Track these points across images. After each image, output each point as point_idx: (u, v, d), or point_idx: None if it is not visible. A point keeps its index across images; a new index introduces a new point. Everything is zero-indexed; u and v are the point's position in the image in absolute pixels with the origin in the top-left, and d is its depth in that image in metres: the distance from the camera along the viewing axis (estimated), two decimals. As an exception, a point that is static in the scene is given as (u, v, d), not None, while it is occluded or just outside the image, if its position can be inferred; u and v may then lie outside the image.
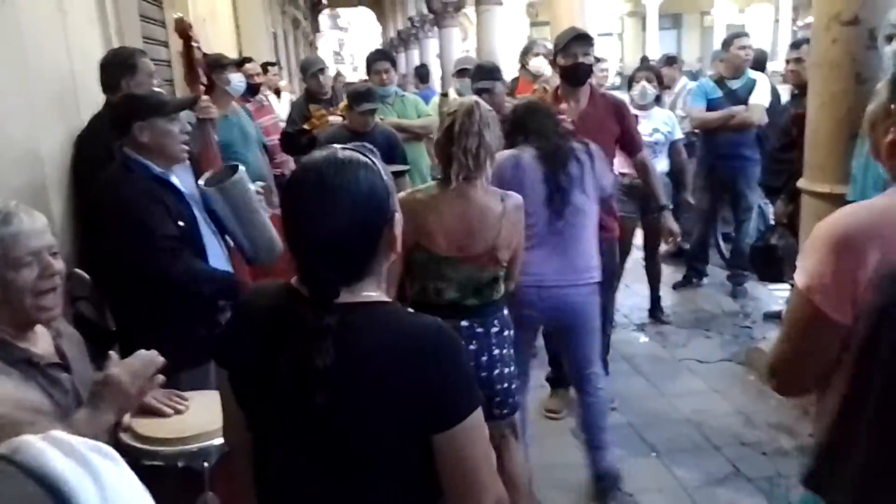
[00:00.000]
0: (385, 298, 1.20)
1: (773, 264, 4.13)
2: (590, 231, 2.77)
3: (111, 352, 1.78)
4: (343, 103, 5.52)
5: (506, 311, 2.38)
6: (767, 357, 1.43)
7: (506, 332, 2.35)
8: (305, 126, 4.69)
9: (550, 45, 5.25)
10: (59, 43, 2.70)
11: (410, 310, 1.26)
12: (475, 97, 2.40)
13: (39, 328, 1.63)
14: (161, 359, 1.71)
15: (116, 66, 2.83)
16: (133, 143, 2.27)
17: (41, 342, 1.62)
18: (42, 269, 1.53)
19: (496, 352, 2.31)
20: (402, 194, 2.28)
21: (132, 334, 2.32)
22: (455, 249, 2.22)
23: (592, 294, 2.80)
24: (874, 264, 1.17)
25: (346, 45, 38.56)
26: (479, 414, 1.15)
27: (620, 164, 3.77)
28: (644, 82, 4.62)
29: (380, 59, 4.94)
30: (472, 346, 2.24)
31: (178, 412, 1.84)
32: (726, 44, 5.00)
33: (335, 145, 1.19)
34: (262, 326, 1.18)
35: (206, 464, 1.71)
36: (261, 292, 1.27)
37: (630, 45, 26.10)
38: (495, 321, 2.32)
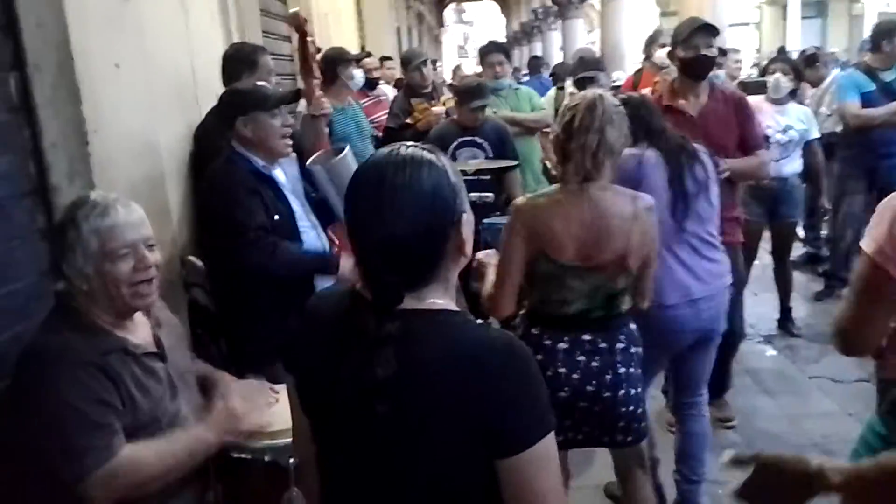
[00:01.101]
0: (452, 307, 1.12)
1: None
2: (714, 234, 2.54)
3: (232, 383, 1.89)
4: (445, 96, 5.49)
5: (633, 326, 2.17)
6: (834, 318, 1.53)
7: (633, 350, 2.13)
8: (408, 120, 4.63)
9: (677, 35, 4.93)
10: (180, 38, 2.81)
11: (491, 323, 1.16)
12: (599, 90, 2.19)
13: (139, 317, 1.68)
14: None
15: (238, 62, 2.91)
16: (238, 136, 2.32)
17: (140, 331, 1.66)
18: (137, 261, 1.57)
19: (622, 370, 2.09)
20: (519, 200, 2.13)
21: (233, 323, 2.37)
22: (581, 258, 2.01)
23: (727, 300, 2.58)
24: None
25: (471, 39, 38.71)
26: (549, 441, 1.05)
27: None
28: (778, 74, 4.26)
29: (493, 52, 4.82)
30: (594, 363, 2.06)
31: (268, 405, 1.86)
32: (891, 34, 4.50)
33: (400, 143, 1.13)
34: (327, 331, 1.14)
35: (292, 459, 1.69)
36: (327, 296, 1.23)
37: (768, 36, 24.53)
38: (622, 336, 2.11)
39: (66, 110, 2.00)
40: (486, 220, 3.64)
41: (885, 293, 1.43)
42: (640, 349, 2.15)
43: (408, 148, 1.10)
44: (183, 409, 1.68)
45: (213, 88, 2.96)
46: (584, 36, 16.41)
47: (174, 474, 1.56)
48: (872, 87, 4.43)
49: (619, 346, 2.09)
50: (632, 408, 2.12)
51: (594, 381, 2.05)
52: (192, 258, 2.67)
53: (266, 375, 2.04)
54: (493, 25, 32.75)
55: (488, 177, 3.94)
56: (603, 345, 2.07)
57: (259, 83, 2.51)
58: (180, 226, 2.69)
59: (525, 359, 1.08)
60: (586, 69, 4.19)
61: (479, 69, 5.47)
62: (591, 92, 2.13)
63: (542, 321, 2.08)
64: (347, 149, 2.59)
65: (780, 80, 4.25)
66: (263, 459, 1.71)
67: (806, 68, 5.40)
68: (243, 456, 1.71)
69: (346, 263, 2.41)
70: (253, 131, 2.30)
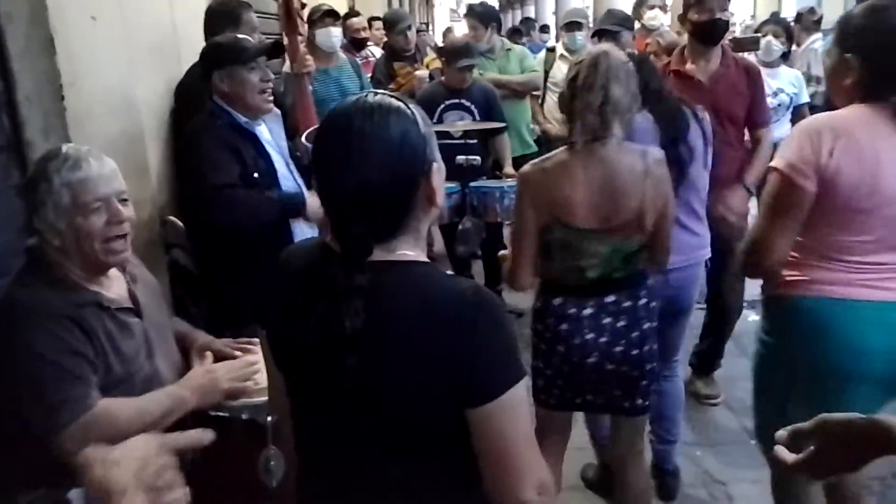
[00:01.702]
0: (422, 259, 1.11)
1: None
2: (702, 203, 2.52)
3: (209, 352, 1.86)
4: (428, 58, 5.40)
5: (650, 281, 2.13)
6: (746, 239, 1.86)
7: (653, 304, 2.11)
8: (392, 86, 4.54)
9: (668, -2, 4.88)
10: (160, -8, 2.74)
11: (450, 272, 1.15)
12: (606, 45, 2.10)
13: (114, 273, 1.66)
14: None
15: (221, 17, 2.84)
16: (216, 91, 2.27)
17: (114, 286, 1.65)
18: (110, 215, 1.55)
19: (646, 326, 2.05)
20: (525, 168, 2.02)
21: (212, 282, 2.35)
22: (597, 221, 1.94)
23: (702, 272, 2.58)
24: (829, 147, 1.66)
25: (464, 1, 38.05)
26: (519, 389, 1.06)
27: None
28: (770, 37, 4.22)
29: (467, 16, 4.75)
30: (620, 324, 2.01)
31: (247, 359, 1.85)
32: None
33: (368, 91, 1.11)
34: (297, 285, 1.13)
35: (269, 418, 1.69)
36: (298, 249, 1.22)
37: (764, 2, 24.33)
38: (643, 291, 2.07)
39: (41, 62, 1.96)
40: (472, 184, 3.62)
41: (794, 204, 1.71)
42: (656, 303, 2.13)
43: (376, 95, 1.08)
44: (160, 366, 1.68)
45: (194, 43, 2.88)
46: (578, 0, 16.18)
47: (149, 432, 1.54)
48: None
49: (642, 301, 2.06)
50: (654, 364, 2.12)
51: (622, 342, 2.03)
52: (171, 218, 2.64)
53: (245, 334, 2.03)
54: (486, -13, 32.14)
55: (475, 140, 3.90)
56: (627, 303, 2.04)
57: (239, 36, 2.44)
58: (160, 184, 2.65)
59: (494, 309, 1.07)
60: (612, 22, 4.08)
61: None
62: (596, 48, 2.05)
63: (564, 291, 2.03)
64: None
65: (772, 43, 4.21)
66: (241, 417, 1.70)
67: (795, 22, 5.34)
68: (221, 414, 1.71)
69: (314, 201, 2.32)
70: (229, 86, 2.25)
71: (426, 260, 1.12)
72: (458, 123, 3.83)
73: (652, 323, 2.09)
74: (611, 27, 4.02)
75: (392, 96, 1.09)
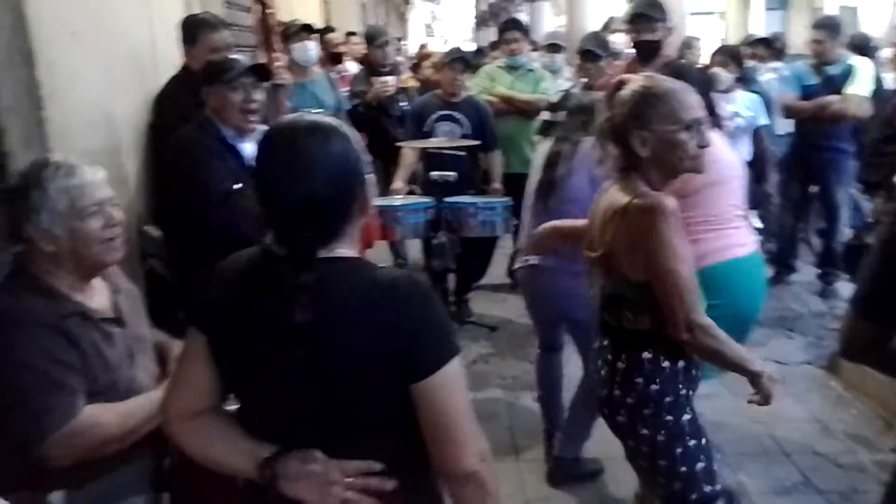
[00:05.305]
0: (357, 256, 1.23)
1: (868, 265, 3.86)
2: None
3: None
4: (406, 76, 5.48)
5: None
6: None
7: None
8: (369, 97, 4.62)
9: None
10: (139, 7, 2.77)
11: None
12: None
13: (97, 282, 1.69)
14: None
15: (184, 32, 2.88)
16: (208, 105, 2.42)
17: (98, 296, 1.67)
18: (106, 219, 1.61)
19: None
20: (666, 200, 1.68)
21: (192, 290, 2.36)
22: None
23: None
24: None
25: (438, 18, 38.23)
26: (456, 364, 1.16)
27: None
28: (717, 69, 4.36)
29: (510, 29, 4.79)
30: None
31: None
32: (831, 28, 4.58)
33: (302, 112, 1.26)
34: (237, 288, 1.20)
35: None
36: (237, 257, 1.28)
37: (733, 25, 24.86)
38: None
39: (20, 72, 1.97)
40: (447, 199, 3.68)
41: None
42: None
43: (311, 116, 1.21)
44: (139, 375, 1.69)
45: (172, 58, 2.92)
46: (551, 18, 16.41)
47: (132, 437, 1.57)
48: (815, 80, 4.52)
49: None
50: None
51: None
52: (149, 228, 2.66)
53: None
54: (461, 5, 32.45)
55: (464, 153, 3.99)
56: None
57: (230, 57, 2.58)
58: (137, 195, 2.66)
59: (428, 291, 1.20)
60: (595, 45, 4.19)
61: (447, 48, 5.49)
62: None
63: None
64: None
65: (720, 75, 4.32)
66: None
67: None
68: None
69: None
70: (214, 102, 2.38)
71: (360, 257, 1.24)
72: (439, 140, 3.93)
73: None
74: (595, 49, 4.11)
75: (326, 117, 1.21)
